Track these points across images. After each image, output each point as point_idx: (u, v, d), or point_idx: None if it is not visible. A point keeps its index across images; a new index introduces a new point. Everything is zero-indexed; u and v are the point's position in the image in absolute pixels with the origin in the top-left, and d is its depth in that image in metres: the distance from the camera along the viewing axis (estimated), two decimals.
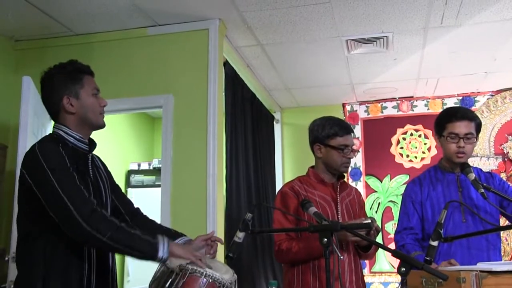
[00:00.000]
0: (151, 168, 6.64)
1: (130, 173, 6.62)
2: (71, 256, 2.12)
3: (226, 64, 4.66)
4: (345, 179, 3.12)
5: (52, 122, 4.33)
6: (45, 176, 2.04)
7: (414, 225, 2.96)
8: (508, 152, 6.09)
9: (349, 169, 6.44)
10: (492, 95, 6.28)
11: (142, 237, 2.05)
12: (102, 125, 2.36)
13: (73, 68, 2.32)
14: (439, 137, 3.00)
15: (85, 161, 2.29)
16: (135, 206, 2.60)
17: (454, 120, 2.91)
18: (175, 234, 2.42)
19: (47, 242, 2.10)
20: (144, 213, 2.59)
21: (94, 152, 2.41)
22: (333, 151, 2.90)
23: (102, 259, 2.25)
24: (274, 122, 6.76)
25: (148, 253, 2.04)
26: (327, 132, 2.92)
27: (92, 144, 2.36)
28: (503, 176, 5.96)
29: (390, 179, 6.42)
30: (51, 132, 2.32)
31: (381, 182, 6.45)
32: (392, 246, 3.11)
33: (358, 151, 6.36)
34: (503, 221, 3.91)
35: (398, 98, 6.56)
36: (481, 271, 1.98)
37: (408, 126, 6.52)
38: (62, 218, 2.02)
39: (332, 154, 2.91)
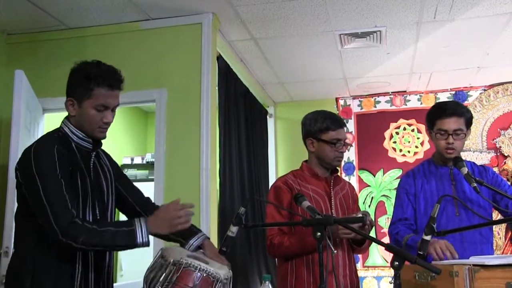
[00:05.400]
0: (144, 162, 6.63)
1: (123, 167, 6.58)
2: (63, 256, 2.12)
3: (219, 58, 4.65)
4: (339, 174, 3.12)
5: (45, 116, 4.38)
6: (32, 179, 2.05)
7: (409, 216, 2.97)
8: (500, 147, 6.11)
9: (342, 163, 6.47)
10: (484, 90, 6.29)
11: (117, 230, 2.05)
12: (99, 138, 2.33)
13: (92, 74, 2.22)
14: (430, 132, 3.01)
15: (87, 160, 2.29)
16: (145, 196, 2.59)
17: (443, 117, 2.90)
18: (190, 231, 2.35)
19: (39, 240, 2.11)
20: (155, 203, 2.58)
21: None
22: (326, 145, 2.90)
23: (98, 259, 2.25)
24: (268, 116, 6.75)
25: (127, 244, 2.05)
26: (319, 126, 2.92)
27: (97, 143, 2.35)
28: (495, 170, 5.98)
29: (383, 174, 6.43)
30: (59, 126, 2.31)
31: (374, 176, 6.46)
32: (385, 240, 3.12)
33: (351, 145, 6.38)
34: (496, 215, 3.93)
35: (391, 92, 6.56)
36: (474, 265, 1.99)
37: (401, 121, 6.53)
38: (43, 223, 2.04)
39: (325, 148, 2.91)
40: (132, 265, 5.90)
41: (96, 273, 2.23)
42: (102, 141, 2.40)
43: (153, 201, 2.60)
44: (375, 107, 6.63)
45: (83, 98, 2.22)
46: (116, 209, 2.47)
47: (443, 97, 6.38)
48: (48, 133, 2.31)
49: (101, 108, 2.24)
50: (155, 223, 2.13)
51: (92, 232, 2.02)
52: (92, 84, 2.21)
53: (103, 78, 2.23)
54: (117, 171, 2.50)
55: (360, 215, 2.66)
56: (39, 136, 3.62)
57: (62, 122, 2.31)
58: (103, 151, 2.48)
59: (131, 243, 2.04)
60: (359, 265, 6.16)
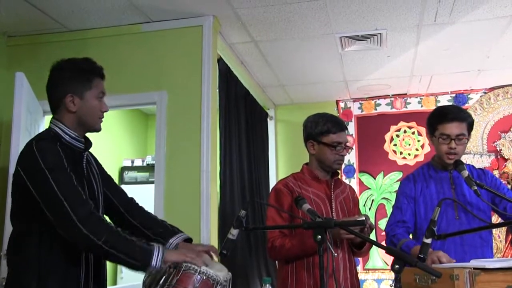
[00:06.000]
0: (144, 164, 6.62)
1: (123, 169, 6.60)
2: (67, 255, 2.10)
3: (220, 60, 4.65)
4: (339, 176, 3.12)
5: (45, 118, 4.37)
6: (42, 176, 2.01)
7: (407, 219, 2.98)
8: (501, 150, 6.11)
9: (343, 166, 6.46)
10: (485, 93, 6.29)
11: (137, 243, 2.00)
12: (98, 130, 2.34)
13: (86, 68, 2.28)
14: (431, 136, 3.01)
15: (80, 160, 2.27)
16: (129, 196, 2.58)
17: (445, 122, 2.89)
18: (171, 231, 2.39)
19: (42, 241, 2.08)
20: (139, 204, 2.58)
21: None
22: (326, 148, 2.90)
23: (98, 260, 2.24)
24: (268, 119, 6.75)
25: (142, 260, 1.98)
26: (320, 129, 2.92)
27: (88, 143, 2.34)
28: (495, 173, 5.97)
29: (384, 176, 6.43)
30: (47, 127, 2.28)
31: (375, 179, 6.46)
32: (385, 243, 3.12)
33: (352, 148, 6.38)
34: (495, 218, 3.94)
35: (392, 95, 6.56)
36: (474, 268, 1.99)
37: (401, 123, 6.52)
38: (58, 219, 1.99)
39: (325, 151, 2.91)
40: None
41: (95, 277, 2.23)
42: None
43: (137, 202, 2.58)
44: (376, 109, 6.63)
45: (83, 90, 2.25)
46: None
47: (444, 100, 6.38)
48: (41, 134, 2.27)
49: (101, 95, 2.31)
50: (171, 251, 2.10)
51: (115, 235, 1.98)
52: (91, 76, 2.27)
53: (97, 69, 2.32)
54: (103, 173, 2.49)
55: (361, 218, 2.66)
56: None
57: (51, 122, 2.28)
58: (91, 154, 2.47)
59: (146, 262, 1.97)
60: (359, 268, 6.15)
